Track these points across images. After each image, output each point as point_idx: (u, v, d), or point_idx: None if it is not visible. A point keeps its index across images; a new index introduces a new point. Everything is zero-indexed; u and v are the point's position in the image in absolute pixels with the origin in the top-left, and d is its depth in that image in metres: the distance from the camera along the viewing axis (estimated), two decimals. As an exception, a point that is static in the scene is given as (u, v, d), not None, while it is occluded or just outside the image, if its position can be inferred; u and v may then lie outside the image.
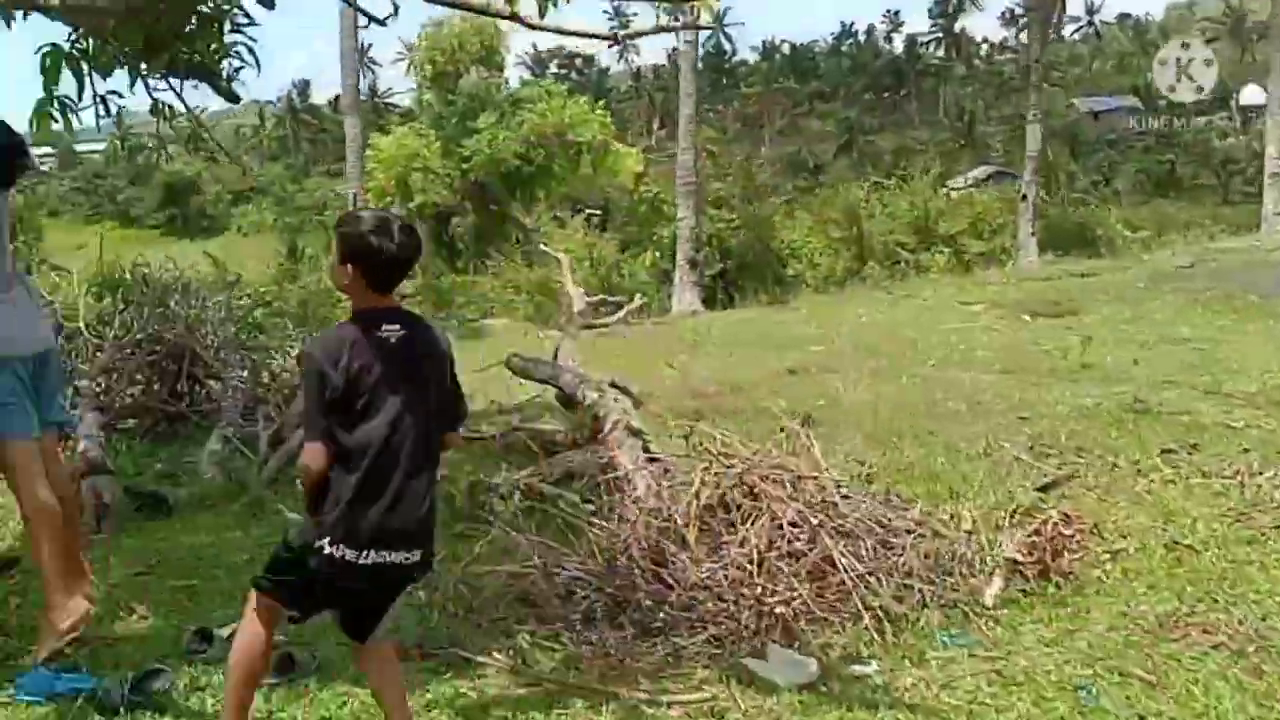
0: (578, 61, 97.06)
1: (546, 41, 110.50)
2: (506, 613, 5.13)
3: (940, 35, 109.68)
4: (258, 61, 5.99)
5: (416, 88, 34.35)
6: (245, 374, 9.56)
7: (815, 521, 5.12)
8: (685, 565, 5.03)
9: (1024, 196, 24.47)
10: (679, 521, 5.21)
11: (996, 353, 12.24)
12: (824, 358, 12.81)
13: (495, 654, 4.58)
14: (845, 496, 5.59)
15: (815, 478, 5.58)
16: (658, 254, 26.37)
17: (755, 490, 5.34)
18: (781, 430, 6.70)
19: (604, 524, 5.64)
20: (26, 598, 5.44)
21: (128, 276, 11.10)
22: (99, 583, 5.54)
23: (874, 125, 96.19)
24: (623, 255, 27.26)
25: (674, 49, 34.78)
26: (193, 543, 6.36)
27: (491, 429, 9.44)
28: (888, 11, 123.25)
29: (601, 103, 33.96)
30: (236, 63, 6.14)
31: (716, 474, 5.48)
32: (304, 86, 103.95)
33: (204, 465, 7.93)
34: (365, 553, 3.29)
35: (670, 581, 5.00)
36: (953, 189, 31.03)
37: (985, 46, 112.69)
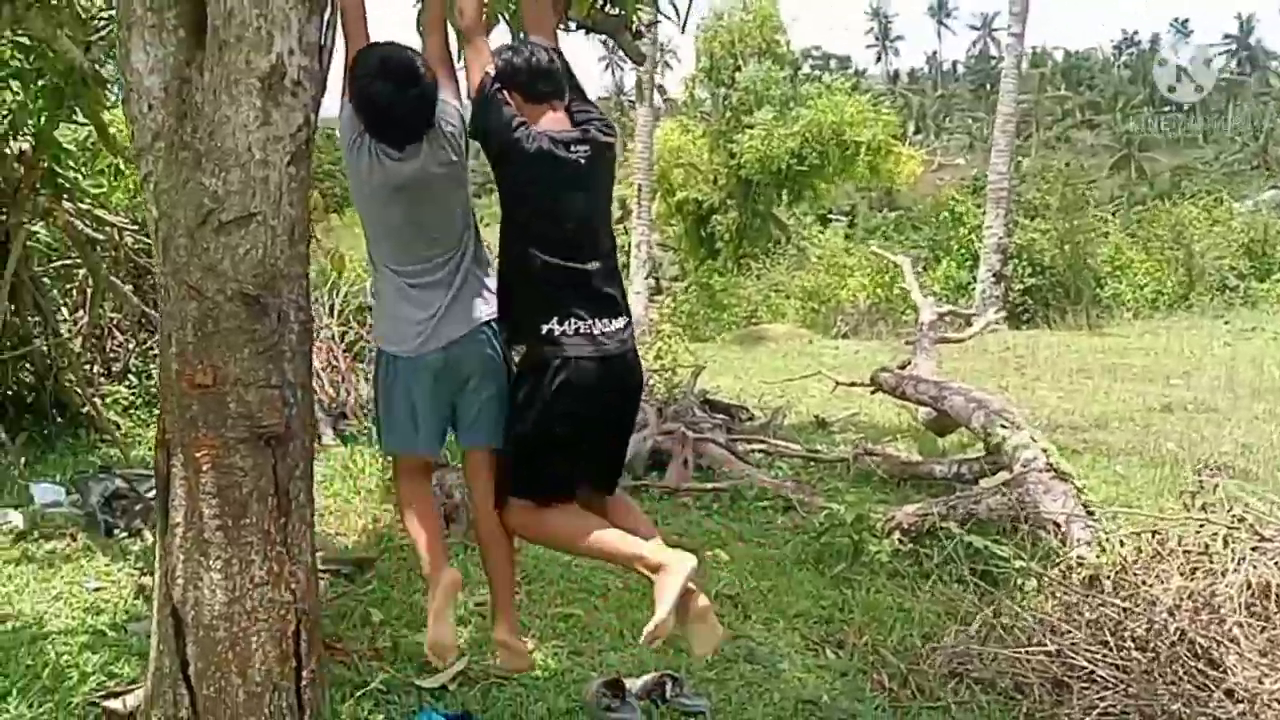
0: (832, 62, 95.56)
1: (801, 40, 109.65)
2: (962, 697, 4.16)
3: (1233, 48, 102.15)
4: (678, 11, 5.27)
5: (687, 82, 33.91)
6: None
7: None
8: (1231, 666, 3.89)
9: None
10: (1219, 606, 4.07)
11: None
12: (1191, 394, 11.31)
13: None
14: None
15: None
16: (954, 264, 24.79)
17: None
18: (1198, 477, 5.54)
19: (1076, 592, 4.56)
20: (385, 609, 4.85)
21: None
22: (463, 599, 4.92)
23: (1153, 141, 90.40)
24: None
25: (934, 52, 32.96)
26: (551, 558, 5.64)
27: (830, 448, 8.55)
28: (1175, 20, 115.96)
29: (887, 100, 32.60)
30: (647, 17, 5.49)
31: (1255, 547, 4.31)
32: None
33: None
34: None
35: (1206, 686, 3.88)
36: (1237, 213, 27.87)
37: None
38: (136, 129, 3.50)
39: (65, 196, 7.59)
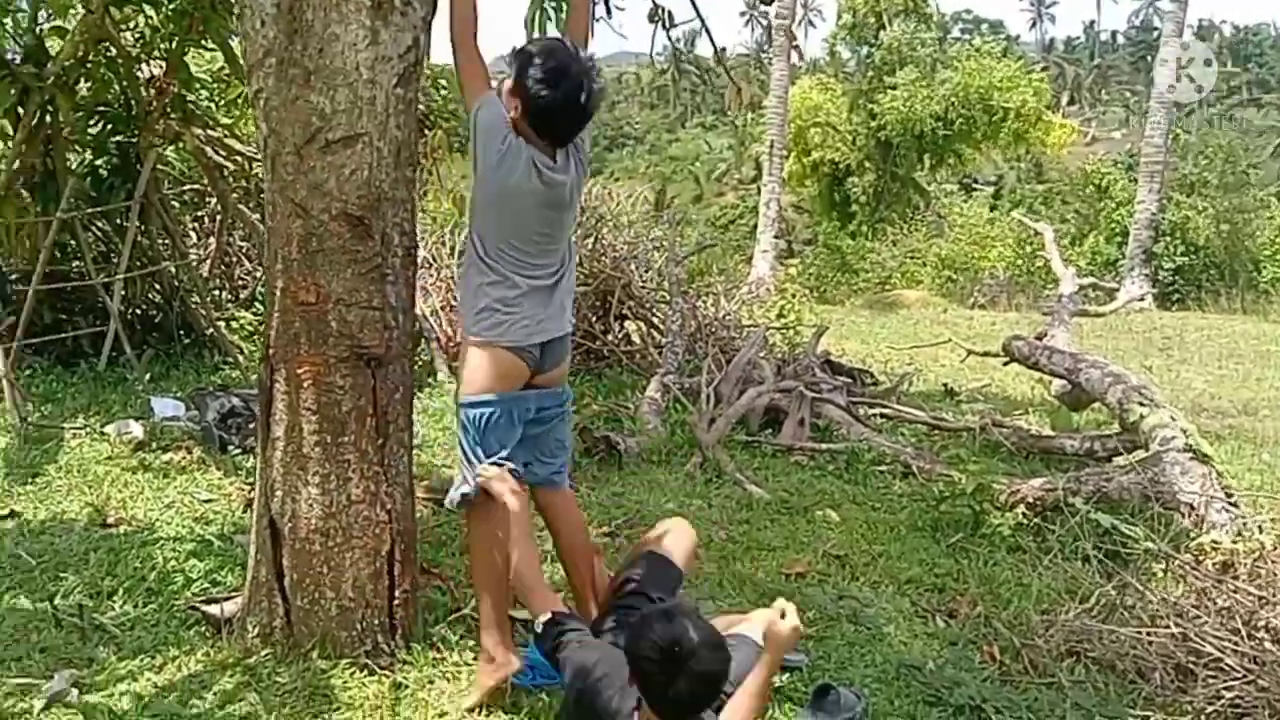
0: (984, 27, 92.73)
1: (952, 3, 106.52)
2: (1078, 676, 4.01)
3: None
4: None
5: (828, 39, 33.30)
6: (680, 320, 8.91)
7: None
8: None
9: None
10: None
11: None
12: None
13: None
14: None
15: None
16: (1101, 239, 23.88)
17: None
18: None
19: (1208, 577, 4.35)
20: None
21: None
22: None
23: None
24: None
25: (1091, 21, 31.48)
26: (655, 503, 5.66)
27: (957, 417, 8.34)
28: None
29: (1040, 66, 31.50)
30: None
31: None
32: (692, 37, 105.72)
33: (644, 413, 7.32)
34: None
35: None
36: None
37: None
38: (249, 45, 3.56)
39: (196, 123, 7.81)
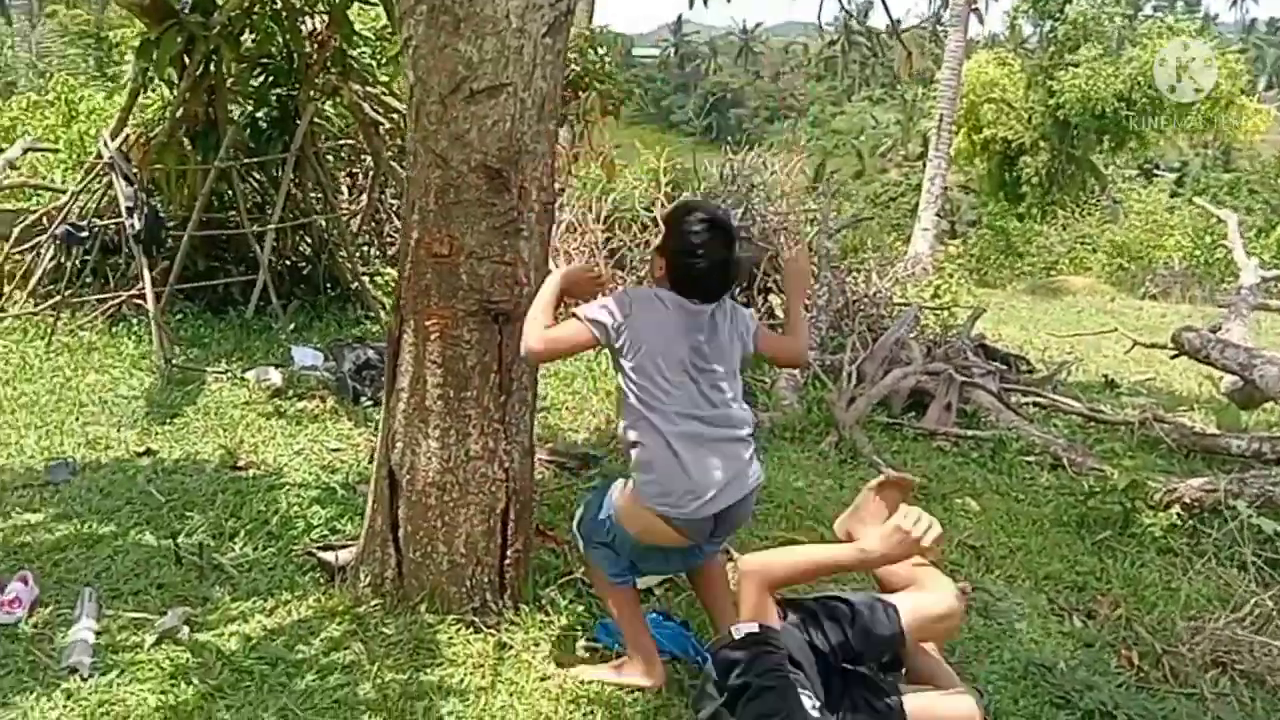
0: (1179, 4, 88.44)
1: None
2: (1222, 688, 3.78)
3: None
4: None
5: (1009, 13, 32.14)
6: (827, 295, 8.73)
7: None
8: None
9: None
10: None
11: None
12: None
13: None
14: None
15: None
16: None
17: None
18: None
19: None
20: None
21: (712, 171, 10.61)
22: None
23: None
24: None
25: None
26: (784, 481, 5.55)
27: (1116, 410, 7.96)
28: None
29: (1238, 48, 29.81)
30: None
31: None
32: (865, 8, 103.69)
33: (781, 388, 7.21)
34: None
35: None
36: None
37: None
38: (402, -9, 3.55)
39: (354, 78, 7.98)
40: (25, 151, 9.67)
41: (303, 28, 7.60)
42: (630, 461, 3.21)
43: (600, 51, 9.98)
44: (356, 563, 3.82)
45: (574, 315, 3.19)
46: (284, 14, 7.37)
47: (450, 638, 3.54)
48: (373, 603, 3.68)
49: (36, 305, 7.62)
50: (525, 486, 3.75)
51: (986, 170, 30.87)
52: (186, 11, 7.14)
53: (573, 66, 9.76)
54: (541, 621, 3.70)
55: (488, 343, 3.56)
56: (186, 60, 7.16)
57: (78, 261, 7.66)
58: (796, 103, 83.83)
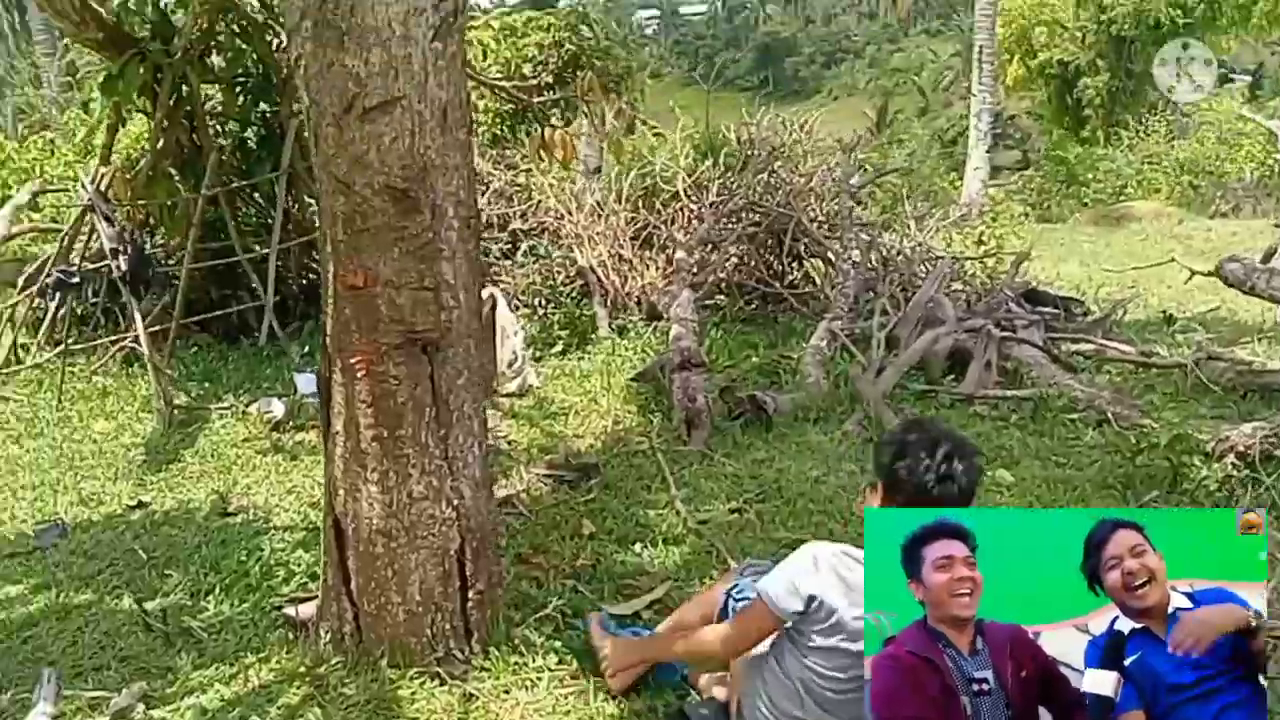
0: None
1: None
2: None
3: None
4: None
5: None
6: (856, 256, 8.37)
7: None
8: None
9: None
10: None
11: None
12: None
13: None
14: None
15: None
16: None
17: None
18: None
19: None
20: (600, 521, 4.67)
21: (730, 137, 10.26)
22: (684, 514, 4.69)
23: None
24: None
25: None
26: (799, 472, 5.28)
27: (1171, 351, 7.53)
28: None
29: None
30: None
31: None
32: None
33: (806, 364, 6.86)
34: None
35: None
36: None
37: None
38: (287, 8, 3.36)
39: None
40: (34, 195, 9.63)
41: (274, 42, 7.43)
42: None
43: (596, 28, 9.70)
44: (317, 618, 3.65)
45: None
46: (249, 31, 7.22)
47: (413, 693, 3.37)
48: (334, 660, 3.52)
49: (51, 353, 7.59)
50: (482, 523, 3.55)
51: (1047, 96, 29.88)
52: (149, 40, 7.00)
53: (567, 46, 9.51)
54: (515, 664, 3.51)
55: (418, 375, 3.36)
56: (158, 89, 7.04)
57: (86, 305, 7.63)
58: (852, 44, 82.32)
